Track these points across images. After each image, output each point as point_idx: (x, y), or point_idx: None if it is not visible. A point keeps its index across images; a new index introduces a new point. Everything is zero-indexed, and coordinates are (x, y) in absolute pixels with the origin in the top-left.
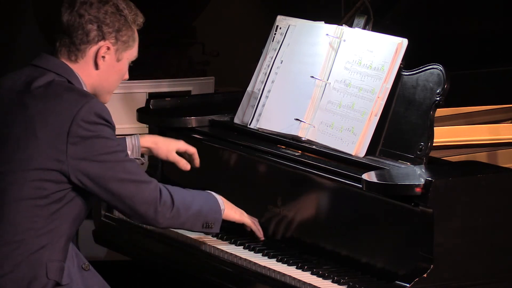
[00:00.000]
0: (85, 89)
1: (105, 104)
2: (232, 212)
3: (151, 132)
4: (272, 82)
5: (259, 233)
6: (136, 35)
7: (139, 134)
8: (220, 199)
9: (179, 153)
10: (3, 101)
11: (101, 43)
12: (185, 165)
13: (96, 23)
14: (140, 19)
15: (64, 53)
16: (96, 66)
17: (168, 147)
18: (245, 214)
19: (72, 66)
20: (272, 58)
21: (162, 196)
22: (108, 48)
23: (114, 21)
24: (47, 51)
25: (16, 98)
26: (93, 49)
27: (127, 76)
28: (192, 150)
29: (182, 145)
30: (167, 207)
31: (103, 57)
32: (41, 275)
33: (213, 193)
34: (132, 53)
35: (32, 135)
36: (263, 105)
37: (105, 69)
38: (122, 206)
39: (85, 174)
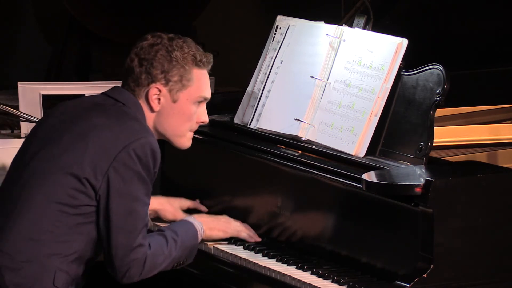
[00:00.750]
0: (145, 116)
1: None
2: (215, 232)
3: None
4: (272, 82)
5: (252, 239)
6: (192, 74)
7: None
8: (200, 227)
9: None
10: (70, 110)
11: (152, 85)
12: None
13: (144, 66)
14: (200, 57)
15: (129, 87)
16: (151, 108)
17: (173, 207)
18: (230, 227)
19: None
20: (272, 58)
21: (144, 268)
22: (159, 90)
23: (163, 62)
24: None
25: (83, 112)
26: (145, 92)
27: (203, 119)
28: (193, 205)
29: (184, 203)
30: (136, 274)
31: (159, 99)
32: (48, 280)
33: (193, 221)
34: (190, 92)
35: (83, 143)
36: (263, 105)
37: (162, 111)
38: (106, 245)
39: (105, 199)
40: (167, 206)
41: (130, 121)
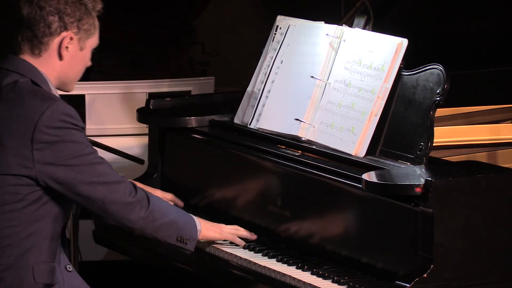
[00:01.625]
0: (50, 84)
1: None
2: (211, 232)
3: (151, 132)
4: (272, 82)
5: (245, 238)
6: (96, 22)
7: None
8: (197, 220)
9: None
10: None
11: (64, 33)
12: None
13: (57, 14)
14: (99, 5)
15: (27, 49)
16: (60, 57)
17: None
18: (225, 230)
19: (36, 61)
20: (272, 58)
21: (137, 194)
22: (71, 38)
23: (74, 10)
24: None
25: None
26: (56, 41)
27: (89, 63)
28: (168, 196)
29: (159, 194)
30: (141, 206)
31: (67, 47)
32: (29, 279)
33: (192, 215)
34: (94, 40)
35: None
36: (263, 105)
37: (69, 59)
38: (94, 208)
39: (53, 178)
40: None
41: (28, 98)
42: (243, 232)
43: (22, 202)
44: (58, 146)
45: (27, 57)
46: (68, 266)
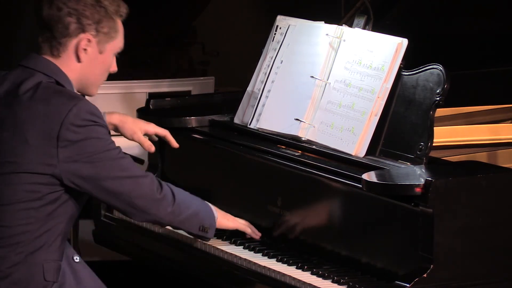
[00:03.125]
0: (72, 85)
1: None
2: (225, 220)
3: None
4: (272, 82)
5: (255, 235)
6: (119, 26)
7: (109, 112)
8: (213, 207)
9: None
10: None
11: (81, 35)
12: (149, 146)
13: (75, 15)
14: (123, 10)
15: (47, 49)
16: (78, 59)
17: (134, 128)
18: (238, 220)
19: (56, 61)
20: (272, 58)
21: (163, 190)
22: (89, 41)
23: (93, 13)
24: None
25: (5, 102)
26: (73, 42)
27: (115, 68)
28: (163, 132)
29: (151, 128)
30: (168, 201)
31: (85, 49)
32: (38, 276)
33: (207, 203)
34: (115, 44)
35: (23, 140)
36: (263, 105)
37: (88, 62)
38: (120, 204)
39: (78, 176)
40: (129, 125)
41: (53, 97)
42: (253, 227)
43: (40, 201)
44: (83, 143)
45: (49, 57)
46: (75, 257)
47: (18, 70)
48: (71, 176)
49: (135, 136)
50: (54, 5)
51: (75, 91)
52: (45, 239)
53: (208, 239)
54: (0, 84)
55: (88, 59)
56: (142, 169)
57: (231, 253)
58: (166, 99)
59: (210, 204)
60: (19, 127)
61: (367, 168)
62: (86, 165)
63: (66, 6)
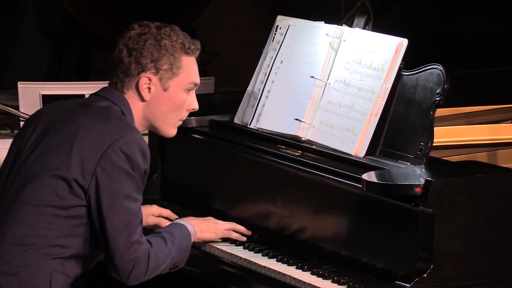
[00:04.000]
0: (134, 120)
1: None
2: (206, 233)
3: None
4: (272, 82)
5: (242, 238)
6: (182, 61)
7: None
8: (192, 229)
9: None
10: (57, 112)
11: (142, 74)
12: (165, 223)
13: (133, 55)
14: (189, 45)
15: (115, 85)
16: (142, 98)
17: (144, 213)
18: (220, 227)
19: (125, 96)
20: (272, 58)
21: (149, 266)
22: (150, 79)
23: (152, 51)
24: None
25: (73, 109)
26: (135, 82)
27: (194, 106)
28: (165, 213)
29: (155, 210)
30: (142, 273)
31: (149, 88)
32: (45, 282)
33: (186, 223)
34: (181, 80)
35: (70, 145)
36: (263, 105)
37: (151, 100)
38: (105, 248)
39: (96, 200)
40: None
41: (114, 120)
42: (239, 227)
43: (66, 211)
44: (118, 174)
45: (118, 91)
46: None
47: (91, 96)
48: (92, 196)
49: (150, 220)
50: (117, 46)
51: (144, 128)
52: (59, 251)
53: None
54: (74, 102)
55: (152, 97)
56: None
57: (231, 253)
58: None
59: (189, 227)
60: (72, 133)
61: (367, 168)
62: (106, 195)
63: (126, 47)
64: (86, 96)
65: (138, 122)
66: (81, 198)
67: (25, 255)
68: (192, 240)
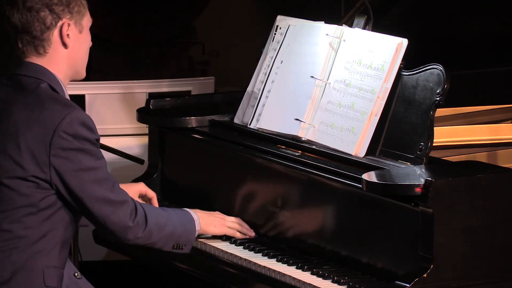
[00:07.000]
0: (62, 86)
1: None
2: (211, 227)
3: (151, 132)
4: (272, 82)
5: (245, 235)
6: (83, 1)
7: None
8: (197, 217)
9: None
10: None
11: (60, 23)
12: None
13: (46, 7)
14: None
15: (32, 51)
16: (65, 46)
17: (131, 191)
18: (226, 223)
19: (44, 61)
20: (272, 58)
21: (137, 216)
22: (69, 25)
23: None
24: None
25: (2, 106)
26: (55, 33)
27: (91, 43)
28: (150, 194)
29: (142, 188)
30: (139, 226)
31: (68, 34)
32: (38, 281)
33: (190, 211)
34: (88, 18)
35: (14, 145)
36: (263, 105)
37: (73, 45)
38: (94, 222)
39: (64, 186)
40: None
41: (48, 103)
42: (244, 228)
43: (36, 206)
44: (73, 155)
45: (35, 60)
46: (76, 273)
47: (16, 77)
48: (59, 184)
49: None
50: (22, 7)
51: (65, 90)
52: (43, 244)
53: (185, 253)
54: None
55: (73, 42)
56: (142, 169)
57: (231, 253)
58: (166, 99)
59: (193, 215)
60: (14, 131)
61: (367, 168)
62: (72, 178)
63: (34, 3)
64: (86, 96)
65: (64, 75)
66: (47, 189)
67: (11, 260)
68: (197, 228)
